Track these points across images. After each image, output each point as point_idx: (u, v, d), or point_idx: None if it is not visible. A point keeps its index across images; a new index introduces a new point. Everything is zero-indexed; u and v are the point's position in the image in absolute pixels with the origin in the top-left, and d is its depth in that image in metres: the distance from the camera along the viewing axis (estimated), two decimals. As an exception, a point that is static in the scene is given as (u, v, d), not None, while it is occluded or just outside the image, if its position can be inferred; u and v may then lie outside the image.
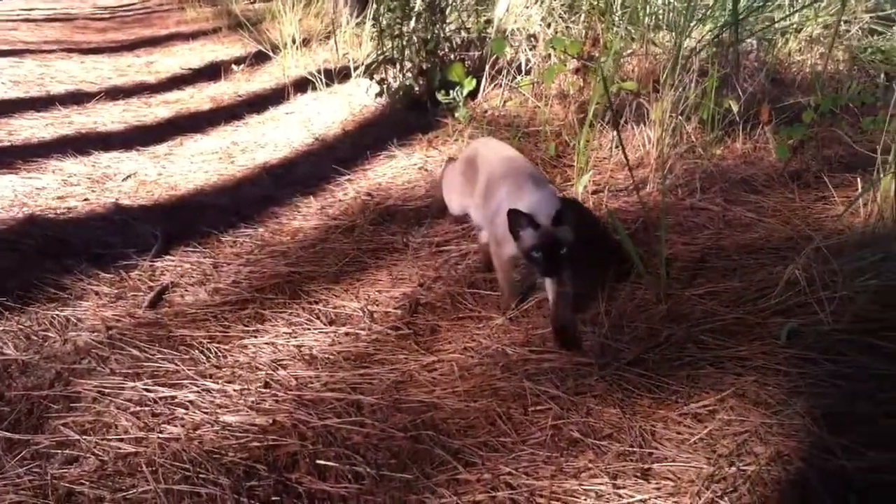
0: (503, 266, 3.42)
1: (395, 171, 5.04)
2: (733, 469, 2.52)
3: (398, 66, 6.20)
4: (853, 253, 3.41)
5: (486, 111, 5.56)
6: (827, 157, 4.64)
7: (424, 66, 6.11)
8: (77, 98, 7.19)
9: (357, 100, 6.28)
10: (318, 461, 2.64)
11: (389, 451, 2.69)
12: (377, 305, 3.55)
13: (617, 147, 4.85)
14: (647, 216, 4.01)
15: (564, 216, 3.08)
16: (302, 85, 6.82)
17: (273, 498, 2.49)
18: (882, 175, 3.62)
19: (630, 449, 2.64)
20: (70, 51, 9.47)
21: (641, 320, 3.26)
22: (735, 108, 4.80)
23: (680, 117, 4.67)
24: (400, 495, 2.49)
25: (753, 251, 3.71)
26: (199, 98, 7.34)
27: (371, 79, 6.28)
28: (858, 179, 4.10)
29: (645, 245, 3.77)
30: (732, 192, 4.31)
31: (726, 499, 2.41)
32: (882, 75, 5.79)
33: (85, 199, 4.78)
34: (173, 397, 2.97)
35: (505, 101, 5.64)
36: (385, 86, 6.13)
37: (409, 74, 6.14)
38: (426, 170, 4.97)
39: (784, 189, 4.32)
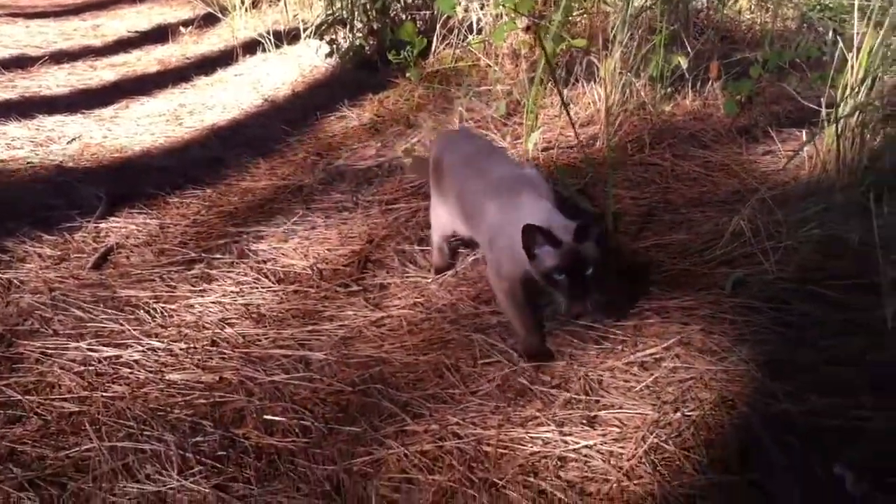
0: (513, 293, 2.88)
1: (346, 131, 4.99)
2: (678, 415, 2.55)
3: (348, 26, 6.13)
4: (797, 204, 3.45)
5: (437, 71, 5.51)
6: (775, 113, 4.68)
7: (375, 26, 6.05)
8: (21, 62, 7.00)
9: (307, 61, 6.20)
10: (266, 416, 2.62)
11: (338, 406, 2.68)
12: (326, 263, 3.52)
13: (568, 105, 4.84)
14: (595, 172, 4.02)
15: (589, 230, 2.67)
16: (251, 47, 6.71)
17: (219, 453, 2.47)
18: (825, 128, 3.64)
19: (577, 397, 2.66)
20: (15, 15, 9.20)
21: (589, 273, 3.26)
22: (684, 65, 4.80)
23: (629, 74, 4.67)
24: (348, 448, 2.49)
25: (700, 204, 3.74)
26: (146, 61, 7.19)
27: (321, 39, 6.20)
28: (803, 133, 4.14)
29: (593, 200, 3.78)
30: (681, 148, 4.33)
31: (670, 443, 2.44)
32: (830, 32, 5.83)
33: (28, 163, 4.67)
34: (118, 357, 2.93)
35: (456, 61, 5.60)
36: (335, 46, 6.05)
37: (360, 34, 6.07)
38: (376, 130, 4.92)
39: (732, 144, 4.35)
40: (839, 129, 3.54)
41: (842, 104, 3.62)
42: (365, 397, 2.70)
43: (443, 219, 3.29)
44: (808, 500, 2.21)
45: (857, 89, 3.54)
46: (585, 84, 4.88)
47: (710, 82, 4.94)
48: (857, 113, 3.45)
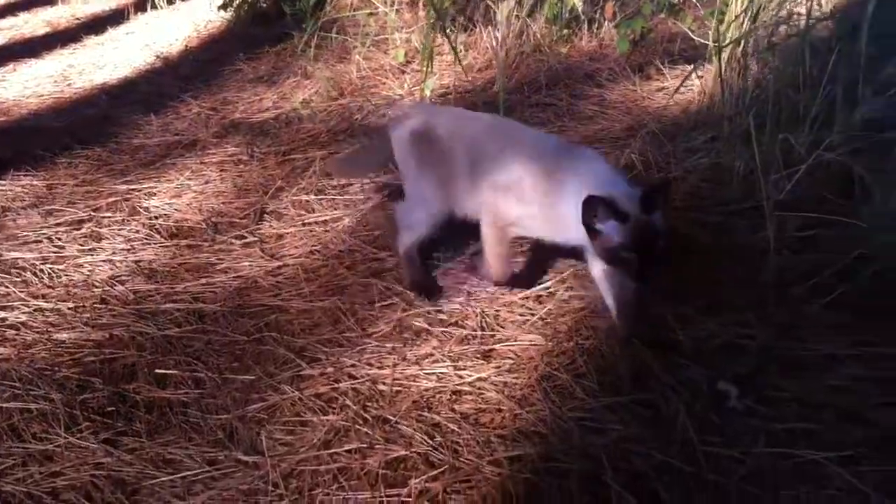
0: (501, 241, 2.74)
1: (242, 84, 4.88)
2: (571, 343, 2.59)
3: (243, -22, 5.97)
4: (686, 135, 3.51)
5: (334, 20, 5.41)
6: (669, 50, 4.73)
7: (270, -23, 5.91)
8: None
9: (201, 16, 6.04)
10: (157, 370, 2.57)
11: (232, 356, 2.65)
12: (221, 217, 3.45)
13: (468, 50, 4.83)
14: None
15: (657, 199, 2.38)
16: (143, 4, 6.50)
17: (108, 409, 2.42)
18: (710, 60, 3.70)
19: (473, 333, 2.67)
20: None
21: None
22: (580, 6, 4.83)
23: (525, 17, 4.66)
24: (241, 395, 2.46)
25: (596, 141, 3.77)
26: (34, 23, 6.92)
27: (213, -8, 6.03)
28: (693, 67, 4.20)
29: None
30: (577, 88, 4.35)
31: (563, 371, 2.47)
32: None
33: None
34: (3, 319, 2.83)
35: (354, 10, 5.51)
36: None
37: (255, -14, 5.93)
38: (272, 82, 4.82)
39: (627, 82, 4.39)
40: (722, 61, 3.59)
41: (727, 36, 3.67)
42: (260, 345, 2.67)
43: (432, 203, 2.83)
44: (694, 415, 2.27)
45: (740, 20, 3.59)
46: (483, 28, 4.85)
47: (606, 22, 4.96)
48: (740, 43, 3.50)
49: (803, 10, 3.61)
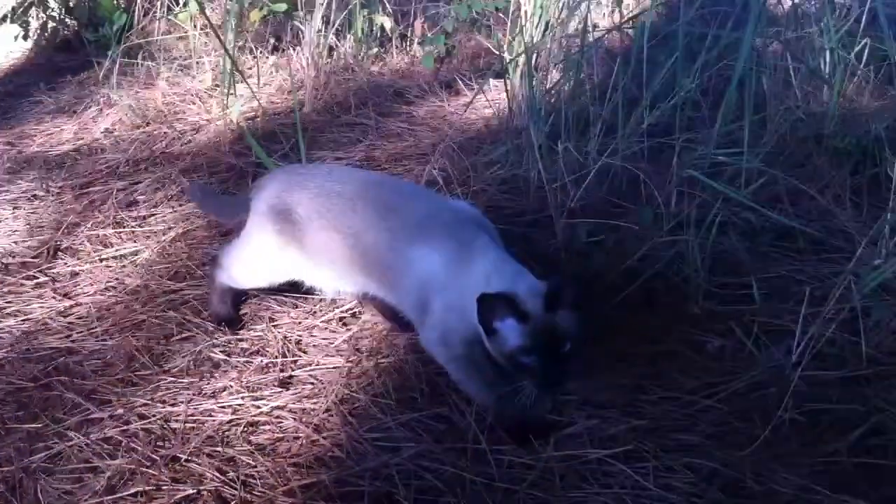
0: (470, 362, 2.33)
1: (41, 116, 4.65)
2: (371, 363, 2.59)
3: (42, 5, 5.70)
4: (486, 148, 3.60)
5: (140, 45, 5.23)
6: (477, 65, 4.84)
7: (71, 3, 5.66)
8: None
9: (1, 48, 5.72)
10: (-70, 430, 2.41)
11: (17, 404, 2.52)
12: (13, 257, 3.27)
13: (278, 70, 4.80)
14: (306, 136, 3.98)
15: (564, 294, 2.15)
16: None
17: None
18: (508, 74, 3.80)
19: (273, 361, 2.64)
20: None
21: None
22: (388, 25, 4.87)
23: (333, 37, 4.66)
24: (26, 446, 2.34)
25: (402, 158, 3.81)
26: None
27: (13, 22, 5.73)
28: (483, 82, 4.30)
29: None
30: (386, 106, 4.39)
31: (361, 392, 2.48)
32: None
33: None
34: None
35: (162, 34, 5.36)
36: (29, 28, 5.62)
37: (56, 14, 5.66)
38: (73, 112, 4.62)
39: (435, 98, 4.46)
40: (516, 74, 3.70)
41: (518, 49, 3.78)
42: (47, 391, 2.55)
43: (262, 273, 2.72)
44: (486, 425, 2.31)
45: (532, 33, 3.71)
46: (293, 49, 4.82)
47: (416, 40, 5.03)
48: (532, 56, 3.61)
49: (601, 21, 3.77)
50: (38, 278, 3.13)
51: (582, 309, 2.20)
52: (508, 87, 3.72)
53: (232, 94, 4.22)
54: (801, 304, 2.47)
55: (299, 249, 2.55)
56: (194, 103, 4.51)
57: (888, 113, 3.59)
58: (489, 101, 4.20)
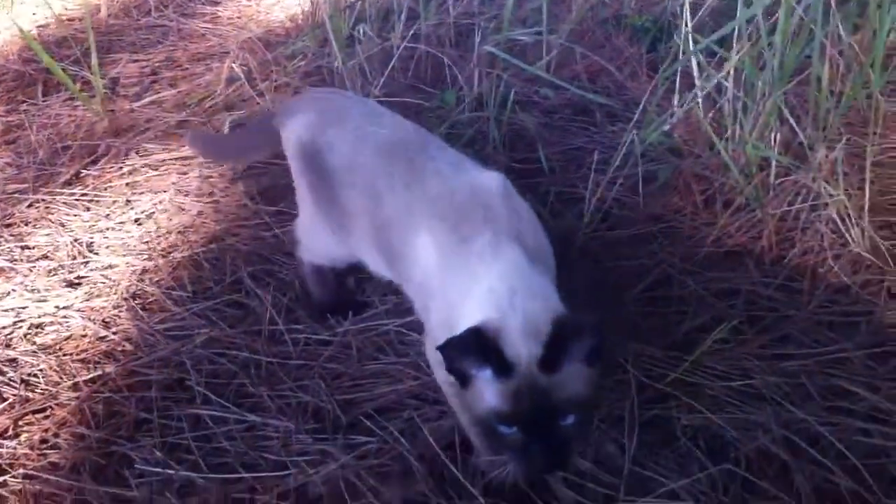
0: (453, 389, 1.71)
1: None
2: (166, 260, 2.51)
3: None
4: (290, 43, 3.50)
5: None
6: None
7: None
8: None
9: None
10: None
11: None
12: None
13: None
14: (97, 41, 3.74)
15: (573, 340, 1.50)
16: None
17: None
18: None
19: (63, 264, 2.51)
20: None
21: (81, 138, 3.07)
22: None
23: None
24: None
25: (205, 58, 3.65)
26: None
27: None
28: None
29: (90, 68, 3.53)
30: (189, 7, 4.18)
31: (155, 286, 2.40)
32: None
33: None
34: None
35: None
36: None
37: None
38: None
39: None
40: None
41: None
42: None
43: (331, 244, 2.16)
44: (283, 308, 2.28)
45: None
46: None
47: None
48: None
49: None
50: None
51: (602, 360, 1.56)
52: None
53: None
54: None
55: (328, 210, 2.10)
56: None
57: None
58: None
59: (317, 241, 2.22)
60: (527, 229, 1.76)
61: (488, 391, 1.50)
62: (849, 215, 2.34)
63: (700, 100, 2.64)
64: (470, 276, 1.66)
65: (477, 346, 1.48)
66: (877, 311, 2.15)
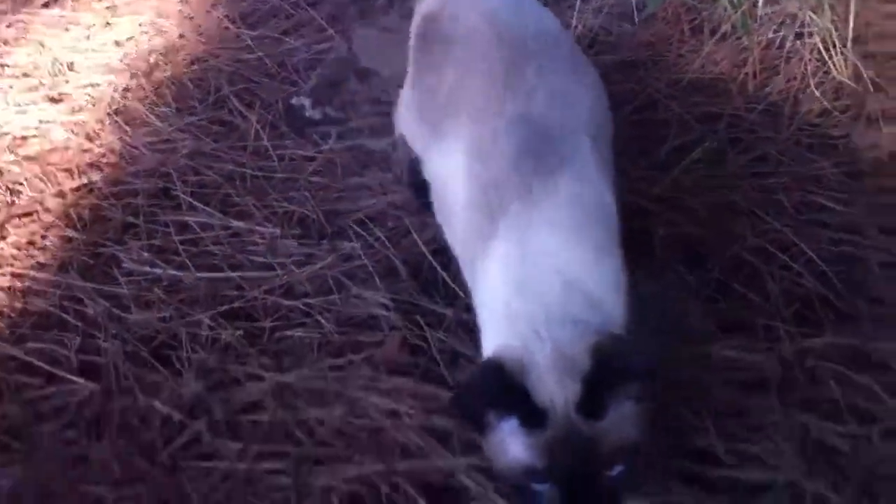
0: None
1: None
2: (149, 79, 2.50)
3: None
4: None
5: None
6: None
7: None
8: None
9: None
10: None
11: None
12: None
13: None
14: None
15: (621, 373, 1.16)
16: None
17: None
18: None
19: (43, 82, 2.50)
20: None
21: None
22: None
23: None
24: None
25: None
26: None
27: None
28: None
29: None
30: None
31: (138, 102, 2.40)
32: None
33: None
34: None
35: None
36: None
37: None
38: None
39: None
40: None
41: None
42: None
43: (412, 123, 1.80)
44: (267, 125, 2.28)
45: None
46: None
47: None
48: None
49: None
50: None
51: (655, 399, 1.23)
52: None
53: None
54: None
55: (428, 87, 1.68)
56: None
57: None
58: None
59: (404, 113, 1.88)
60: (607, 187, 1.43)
61: (514, 444, 1.16)
62: (833, 44, 2.33)
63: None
64: (491, 267, 1.30)
65: (499, 391, 1.15)
66: (855, 133, 2.17)
